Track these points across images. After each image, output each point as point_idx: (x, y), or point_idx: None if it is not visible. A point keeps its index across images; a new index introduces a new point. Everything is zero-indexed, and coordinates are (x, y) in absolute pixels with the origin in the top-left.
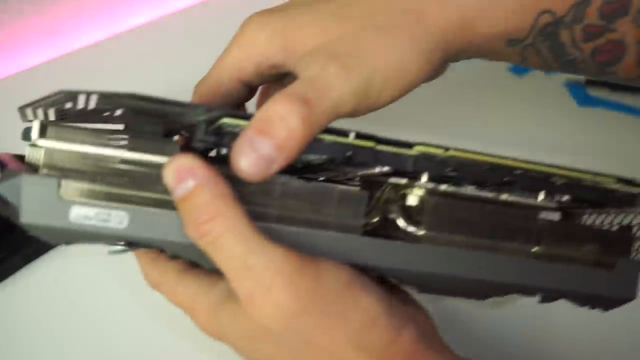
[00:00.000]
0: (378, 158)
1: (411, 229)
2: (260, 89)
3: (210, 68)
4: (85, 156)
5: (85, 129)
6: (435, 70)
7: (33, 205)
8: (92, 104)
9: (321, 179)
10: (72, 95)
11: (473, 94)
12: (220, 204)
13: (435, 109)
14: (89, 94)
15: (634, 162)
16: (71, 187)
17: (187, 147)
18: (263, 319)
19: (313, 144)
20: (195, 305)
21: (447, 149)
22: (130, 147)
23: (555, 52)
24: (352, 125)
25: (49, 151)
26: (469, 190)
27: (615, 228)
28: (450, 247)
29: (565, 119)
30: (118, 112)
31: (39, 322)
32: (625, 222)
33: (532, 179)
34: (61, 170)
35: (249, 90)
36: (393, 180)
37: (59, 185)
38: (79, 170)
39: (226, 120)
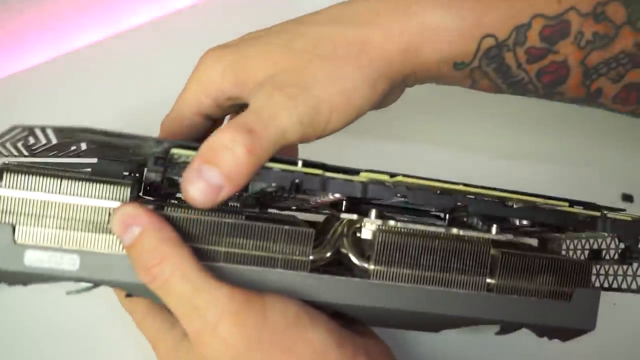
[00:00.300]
0: (327, 185)
1: (362, 263)
2: (227, 118)
3: (174, 103)
4: (39, 203)
5: (43, 172)
6: (383, 96)
7: None
8: (52, 139)
9: (271, 211)
10: (29, 130)
11: (473, 93)
12: (166, 247)
13: (435, 110)
14: (44, 128)
15: (633, 163)
16: (25, 231)
17: (139, 184)
18: (213, 357)
19: (262, 171)
20: (158, 340)
21: (393, 175)
22: (83, 192)
23: (501, 75)
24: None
25: (3, 198)
26: (420, 225)
27: (586, 252)
28: (401, 283)
29: (565, 119)
30: (83, 146)
31: (35, 324)
32: (597, 246)
33: (487, 203)
34: (16, 215)
35: (212, 122)
36: (345, 216)
37: (13, 230)
38: (32, 215)
39: (175, 151)
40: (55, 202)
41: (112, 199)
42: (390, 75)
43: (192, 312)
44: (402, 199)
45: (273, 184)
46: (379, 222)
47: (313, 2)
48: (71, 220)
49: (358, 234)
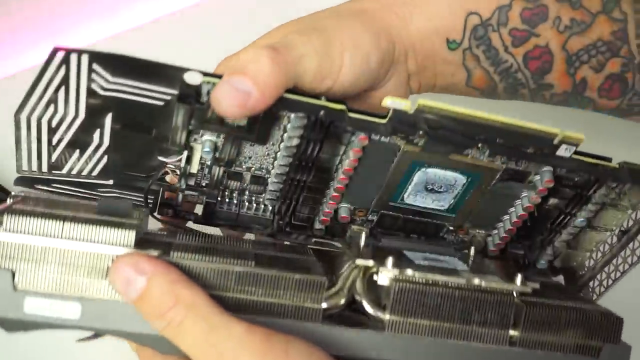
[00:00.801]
0: (351, 122)
1: (377, 313)
2: None
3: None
4: (39, 248)
5: (45, 214)
6: (385, 56)
7: None
8: (81, 99)
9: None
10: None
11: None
12: (178, 288)
13: None
14: (80, 53)
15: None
16: (26, 277)
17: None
18: None
19: (288, 102)
20: None
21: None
22: (85, 237)
23: (491, 60)
24: None
25: (3, 243)
26: (439, 276)
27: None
28: (418, 335)
29: (565, 119)
30: (106, 140)
31: None
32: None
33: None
34: (16, 261)
35: None
36: (360, 262)
37: (13, 276)
38: (33, 261)
39: (205, 79)
40: (57, 248)
41: (116, 243)
42: (389, 39)
43: (209, 351)
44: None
45: (300, 114)
46: (396, 271)
47: (313, 2)
48: (73, 266)
49: (374, 277)
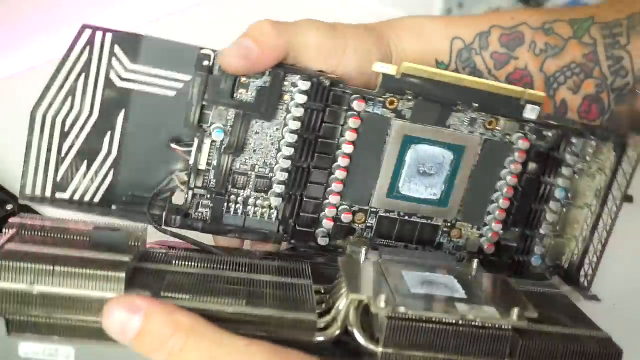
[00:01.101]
0: (348, 87)
1: (370, 345)
2: None
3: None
4: (30, 294)
5: (35, 256)
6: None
7: None
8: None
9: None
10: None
11: None
12: (176, 317)
13: None
14: (105, 32)
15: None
16: (19, 322)
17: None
18: None
19: (293, 70)
20: None
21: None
22: (73, 283)
23: None
24: None
25: None
26: (432, 313)
27: None
28: None
29: None
30: (115, 148)
31: None
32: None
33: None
34: (9, 306)
35: None
36: (355, 297)
37: (6, 322)
38: (26, 306)
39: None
40: (48, 294)
41: (106, 289)
42: (388, 49)
43: None
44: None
45: (305, 80)
46: (389, 309)
47: (312, 2)
48: (64, 310)
49: (368, 308)
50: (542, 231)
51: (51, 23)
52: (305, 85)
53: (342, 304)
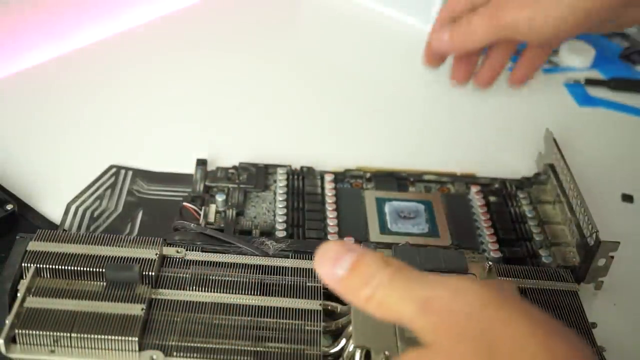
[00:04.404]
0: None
1: None
2: None
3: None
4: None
5: (53, 316)
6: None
7: None
8: None
9: None
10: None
11: (474, 94)
12: (386, 257)
13: (436, 112)
14: (127, 170)
15: (634, 162)
16: None
17: None
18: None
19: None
20: None
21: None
22: (91, 345)
23: None
24: None
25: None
26: None
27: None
28: None
29: (565, 119)
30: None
31: None
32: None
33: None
34: None
35: None
36: (358, 343)
37: None
38: None
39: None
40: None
41: (121, 350)
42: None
43: (419, 297)
44: None
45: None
46: None
47: (312, 2)
48: None
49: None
50: (536, 240)
51: (51, 23)
52: (282, 172)
53: (346, 349)
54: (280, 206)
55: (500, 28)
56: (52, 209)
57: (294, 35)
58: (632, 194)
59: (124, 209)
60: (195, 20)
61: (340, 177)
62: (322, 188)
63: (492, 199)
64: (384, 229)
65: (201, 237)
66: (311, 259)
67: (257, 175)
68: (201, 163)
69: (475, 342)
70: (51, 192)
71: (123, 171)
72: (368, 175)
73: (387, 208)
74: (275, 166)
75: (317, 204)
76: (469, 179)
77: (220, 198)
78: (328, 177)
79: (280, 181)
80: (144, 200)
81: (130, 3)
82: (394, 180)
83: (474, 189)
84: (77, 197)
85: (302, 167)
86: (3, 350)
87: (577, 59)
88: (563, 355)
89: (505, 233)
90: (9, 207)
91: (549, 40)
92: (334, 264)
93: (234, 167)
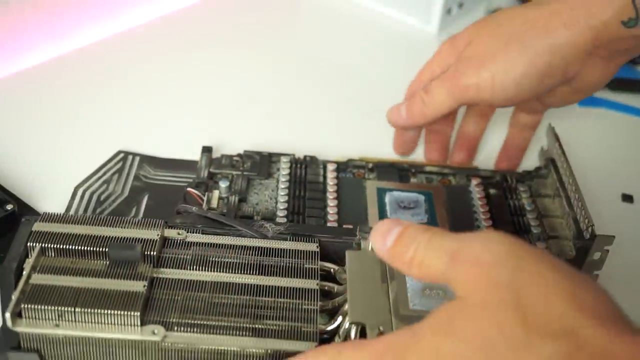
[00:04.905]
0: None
1: None
2: None
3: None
4: (56, 335)
5: (58, 303)
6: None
7: None
8: None
9: None
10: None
11: None
12: (422, 225)
13: None
14: (134, 155)
15: (634, 162)
16: (51, 355)
17: None
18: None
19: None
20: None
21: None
22: (94, 320)
23: None
24: None
25: (23, 333)
26: None
27: None
28: None
29: (566, 119)
30: None
31: None
32: None
33: None
34: (40, 343)
35: None
36: (355, 320)
37: (40, 357)
38: (54, 342)
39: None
40: (71, 335)
41: (124, 323)
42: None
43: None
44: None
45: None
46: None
47: (312, 2)
48: (90, 345)
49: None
50: (534, 233)
51: (51, 23)
52: (285, 160)
53: (342, 324)
54: (282, 193)
55: (460, 91)
56: (52, 208)
57: (295, 35)
58: (632, 194)
59: (130, 193)
60: (195, 20)
61: (342, 166)
62: (325, 177)
63: (492, 191)
64: (383, 218)
65: (202, 220)
66: (309, 242)
67: (261, 164)
68: (206, 150)
69: (502, 291)
70: (51, 192)
71: (130, 157)
72: (370, 165)
73: (387, 198)
74: (279, 155)
75: (318, 192)
76: (470, 171)
77: (223, 184)
78: (330, 167)
79: (284, 169)
80: (150, 185)
81: (130, 3)
82: (395, 171)
83: (474, 182)
84: (85, 180)
85: (305, 156)
86: (10, 324)
87: None
88: (589, 304)
89: (503, 225)
90: (9, 207)
91: (511, 99)
92: (385, 237)
93: (239, 155)
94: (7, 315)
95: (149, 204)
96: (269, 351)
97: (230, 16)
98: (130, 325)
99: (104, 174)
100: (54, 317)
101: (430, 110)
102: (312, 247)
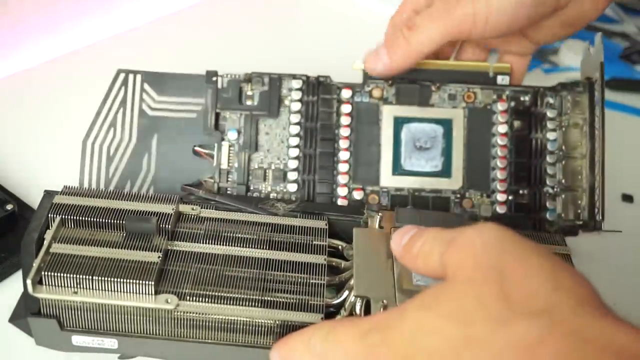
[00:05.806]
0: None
1: None
2: None
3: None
4: (75, 301)
5: (77, 262)
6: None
7: (42, 337)
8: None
9: None
10: None
11: None
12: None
13: None
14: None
15: (634, 162)
16: (69, 320)
17: None
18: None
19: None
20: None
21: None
22: (111, 288)
23: None
24: None
25: (43, 299)
26: None
27: None
28: None
29: None
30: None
31: None
32: None
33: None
34: (60, 310)
35: None
36: (359, 293)
37: (58, 322)
38: (73, 308)
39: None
40: (94, 302)
41: (138, 293)
42: None
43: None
44: None
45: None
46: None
47: (312, 2)
48: (105, 311)
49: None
50: (548, 185)
51: (51, 23)
52: (297, 84)
53: (348, 298)
54: (293, 144)
55: (454, 24)
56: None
57: (295, 34)
58: (632, 194)
59: (138, 138)
60: (196, 21)
61: (358, 88)
62: (338, 115)
63: (516, 123)
64: (397, 168)
65: (216, 197)
66: (319, 219)
67: (270, 93)
68: (210, 78)
69: (487, 270)
70: None
71: (132, 78)
72: (390, 81)
73: (404, 134)
74: (290, 77)
75: (329, 142)
76: (502, 74)
77: (232, 136)
78: (345, 94)
79: (294, 103)
80: (156, 122)
81: (130, 3)
82: (416, 91)
83: (500, 107)
84: (92, 124)
85: (318, 77)
86: (30, 290)
87: (577, 59)
88: (568, 286)
89: (518, 174)
90: (9, 207)
91: (504, 30)
92: (402, 237)
93: (246, 76)
94: (29, 281)
95: (160, 152)
96: (277, 322)
97: (228, 17)
98: (145, 294)
99: (109, 109)
100: (72, 285)
101: (416, 51)
102: (321, 224)
